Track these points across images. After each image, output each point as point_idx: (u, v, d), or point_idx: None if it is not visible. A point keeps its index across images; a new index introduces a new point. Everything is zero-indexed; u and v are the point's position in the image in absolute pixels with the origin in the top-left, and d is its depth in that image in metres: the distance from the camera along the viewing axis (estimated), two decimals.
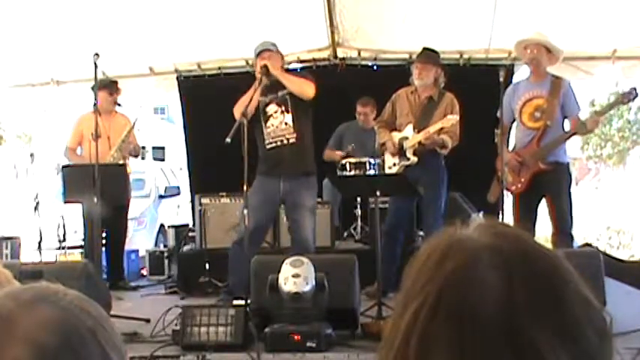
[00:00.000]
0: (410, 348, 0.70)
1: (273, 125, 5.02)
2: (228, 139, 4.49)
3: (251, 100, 4.78)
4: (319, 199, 6.41)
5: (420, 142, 5.30)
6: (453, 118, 5.16)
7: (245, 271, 4.35)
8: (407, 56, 7.09)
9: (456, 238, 0.75)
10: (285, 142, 5.00)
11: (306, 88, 4.94)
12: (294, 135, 5.00)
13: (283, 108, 5.02)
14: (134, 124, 6.43)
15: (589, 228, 12.34)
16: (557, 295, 0.70)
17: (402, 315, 0.72)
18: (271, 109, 5.04)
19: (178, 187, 10.98)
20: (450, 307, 0.69)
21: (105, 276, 6.04)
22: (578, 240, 7.61)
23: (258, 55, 5.04)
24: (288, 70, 5.54)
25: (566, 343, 0.68)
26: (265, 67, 4.89)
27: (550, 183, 5.07)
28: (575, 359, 0.68)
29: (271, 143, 4.99)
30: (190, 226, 7.43)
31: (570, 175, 5.30)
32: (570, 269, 0.73)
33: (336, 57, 7.68)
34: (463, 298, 0.69)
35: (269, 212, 5.05)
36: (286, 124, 5.01)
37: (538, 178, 5.08)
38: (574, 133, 5.16)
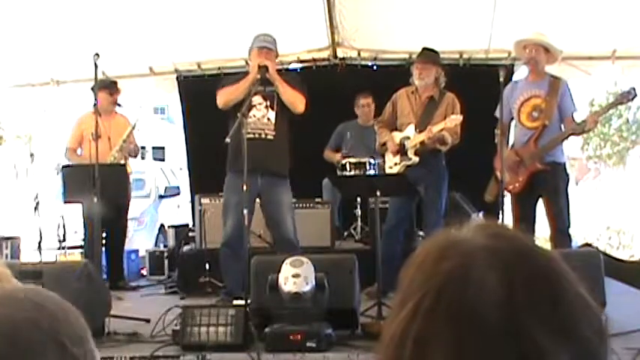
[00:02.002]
0: (406, 349, 0.70)
1: (255, 117, 5.00)
2: (228, 139, 4.49)
3: (246, 97, 4.77)
4: (319, 199, 6.44)
5: (421, 142, 5.30)
6: (457, 119, 5.16)
7: (240, 271, 4.35)
8: (407, 56, 7.09)
9: (452, 239, 0.75)
10: (263, 135, 4.99)
11: (298, 103, 4.95)
12: (274, 132, 4.99)
13: (269, 103, 5.01)
14: (135, 124, 6.44)
15: (589, 228, 12.34)
16: (555, 295, 0.70)
17: (398, 316, 0.72)
18: (256, 100, 5.00)
19: (178, 187, 10.98)
20: (447, 308, 0.69)
21: (105, 276, 6.04)
22: (578, 240, 7.61)
23: (259, 48, 5.01)
24: (287, 70, 5.51)
25: (564, 343, 0.68)
26: (265, 67, 4.89)
27: (547, 183, 5.08)
28: (573, 358, 0.68)
29: (250, 134, 4.94)
30: (190, 226, 7.44)
31: (567, 175, 5.30)
32: (567, 269, 0.73)
33: (336, 57, 7.68)
34: (461, 299, 0.69)
35: (249, 207, 5.00)
36: (268, 119, 5.01)
37: (535, 178, 5.08)
38: (571, 134, 5.16)
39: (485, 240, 0.73)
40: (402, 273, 0.75)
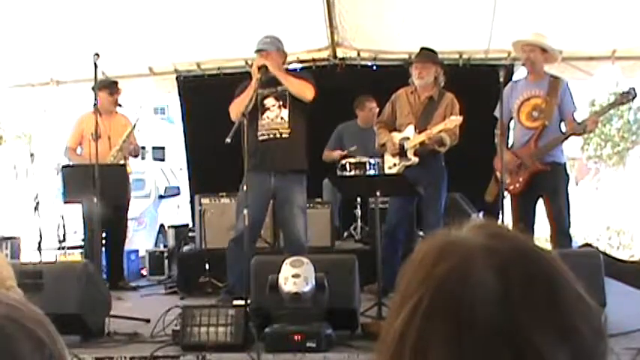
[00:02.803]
0: (406, 349, 0.70)
1: (268, 118, 5.03)
2: (228, 139, 4.49)
3: (250, 100, 4.80)
4: (319, 199, 6.43)
5: (420, 143, 5.30)
6: (457, 119, 5.15)
7: (244, 270, 4.35)
8: (406, 56, 7.07)
9: (451, 239, 0.75)
10: (278, 135, 5.01)
11: (305, 91, 4.96)
12: (288, 130, 5.02)
13: (281, 103, 5.04)
14: (135, 124, 6.44)
15: (589, 228, 12.34)
16: (553, 294, 0.70)
17: (397, 316, 0.72)
18: (269, 102, 5.04)
19: (178, 187, 10.98)
20: (445, 309, 0.69)
21: (105, 276, 6.03)
22: (579, 240, 7.62)
23: (258, 52, 5.04)
24: (287, 70, 5.53)
25: (563, 342, 0.68)
26: (264, 67, 4.90)
27: (547, 183, 5.08)
28: (572, 358, 0.68)
29: (263, 135, 4.98)
30: (190, 226, 7.44)
31: (568, 175, 5.30)
32: (565, 268, 0.73)
33: (335, 57, 7.68)
34: (459, 299, 0.69)
35: (262, 208, 5.04)
36: (282, 118, 5.03)
37: (535, 179, 5.07)
38: (572, 134, 5.16)
39: (483, 240, 0.73)
40: (401, 273, 0.75)
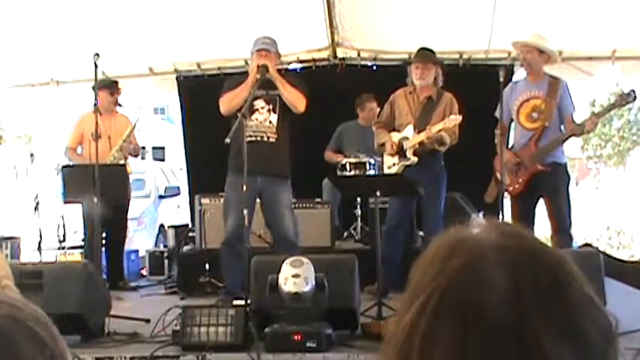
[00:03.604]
0: (413, 346, 0.70)
1: (257, 120, 5.03)
2: (227, 139, 4.49)
3: (246, 99, 4.77)
4: (319, 199, 6.44)
5: (420, 143, 5.30)
6: (456, 119, 5.16)
7: (240, 270, 4.35)
8: (406, 56, 7.07)
9: (463, 236, 0.75)
10: (265, 138, 5.01)
11: (299, 103, 4.97)
12: (275, 136, 5.03)
13: (271, 107, 5.04)
14: (135, 124, 6.44)
15: (589, 228, 12.35)
16: (563, 295, 0.70)
17: (406, 313, 0.72)
18: (258, 103, 5.03)
19: (178, 187, 10.98)
20: (454, 306, 0.69)
21: (105, 276, 6.04)
22: (579, 240, 7.62)
23: (258, 51, 5.02)
24: (286, 71, 5.52)
25: (571, 343, 0.68)
26: (265, 67, 4.89)
27: (548, 183, 5.07)
28: (579, 359, 0.68)
29: (250, 136, 4.95)
30: (190, 226, 7.44)
31: (568, 176, 5.30)
32: (576, 269, 0.73)
33: (335, 57, 7.68)
34: (468, 297, 0.69)
35: (250, 207, 5.02)
36: (270, 122, 5.03)
37: (536, 179, 5.07)
38: (571, 135, 5.16)
39: (495, 238, 0.73)
40: (411, 271, 0.75)
